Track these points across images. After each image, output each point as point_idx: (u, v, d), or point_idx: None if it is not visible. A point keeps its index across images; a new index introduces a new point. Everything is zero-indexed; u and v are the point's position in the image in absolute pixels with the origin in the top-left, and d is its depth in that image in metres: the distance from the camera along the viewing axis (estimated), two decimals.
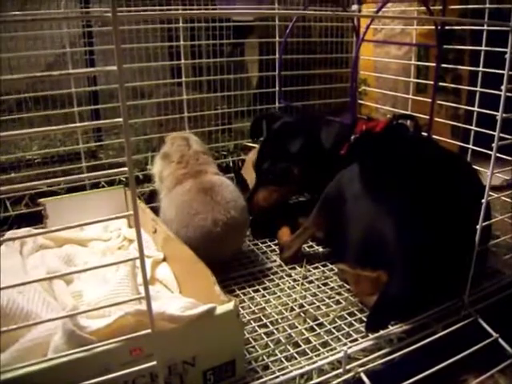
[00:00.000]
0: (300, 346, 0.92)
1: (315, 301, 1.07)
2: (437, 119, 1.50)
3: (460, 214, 0.97)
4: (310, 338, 0.95)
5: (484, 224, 0.93)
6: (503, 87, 0.85)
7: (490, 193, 0.95)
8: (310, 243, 1.33)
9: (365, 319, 0.99)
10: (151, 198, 1.44)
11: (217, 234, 1.12)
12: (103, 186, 1.48)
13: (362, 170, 1.06)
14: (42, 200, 1.26)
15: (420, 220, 0.95)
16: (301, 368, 0.85)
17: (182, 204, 1.16)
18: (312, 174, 1.32)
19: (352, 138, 1.26)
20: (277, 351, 0.91)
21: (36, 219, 1.27)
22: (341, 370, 0.83)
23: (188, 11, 1.58)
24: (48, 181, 0.51)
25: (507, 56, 0.84)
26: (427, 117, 1.44)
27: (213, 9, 1.76)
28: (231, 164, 1.75)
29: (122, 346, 0.66)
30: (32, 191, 1.41)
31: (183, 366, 0.74)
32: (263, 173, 1.38)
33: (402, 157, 1.09)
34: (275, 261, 1.25)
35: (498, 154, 0.91)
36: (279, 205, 1.40)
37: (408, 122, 1.40)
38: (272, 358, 0.89)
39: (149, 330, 0.63)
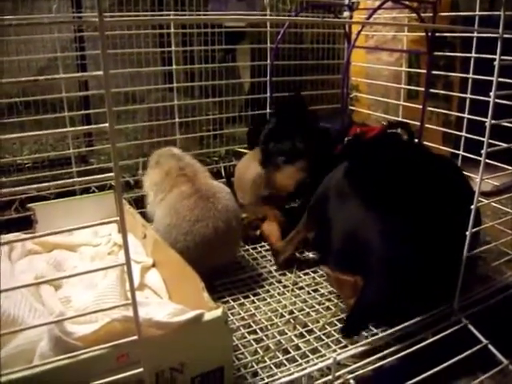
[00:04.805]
0: (289, 352, 0.92)
1: (305, 307, 1.07)
2: (428, 125, 1.51)
3: (449, 220, 0.97)
4: (300, 344, 0.95)
5: (473, 230, 0.93)
6: (492, 94, 0.86)
7: (481, 199, 0.95)
8: (301, 249, 1.33)
9: None
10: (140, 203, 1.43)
11: (216, 241, 1.11)
12: (94, 191, 1.47)
13: (349, 172, 1.06)
14: (31, 205, 1.25)
15: (403, 226, 0.94)
16: (290, 375, 0.84)
17: (183, 210, 1.13)
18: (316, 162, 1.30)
19: (345, 140, 1.26)
20: (266, 358, 0.90)
21: (26, 224, 1.26)
22: (330, 377, 0.82)
23: (177, 17, 1.58)
24: (35, 186, 0.51)
25: (496, 63, 0.85)
26: (418, 123, 1.44)
27: (204, 14, 1.75)
28: (222, 170, 1.74)
29: (108, 353, 0.65)
30: (22, 196, 1.40)
31: (171, 373, 0.74)
32: (271, 152, 1.35)
33: (391, 161, 1.08)
34: (265, 267, 1.25)
35: (489, 160, 0.91)
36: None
37: (400, 130, 1.40)
38: (261, 365, 0.88)
39: (135, 337, 0.62)
